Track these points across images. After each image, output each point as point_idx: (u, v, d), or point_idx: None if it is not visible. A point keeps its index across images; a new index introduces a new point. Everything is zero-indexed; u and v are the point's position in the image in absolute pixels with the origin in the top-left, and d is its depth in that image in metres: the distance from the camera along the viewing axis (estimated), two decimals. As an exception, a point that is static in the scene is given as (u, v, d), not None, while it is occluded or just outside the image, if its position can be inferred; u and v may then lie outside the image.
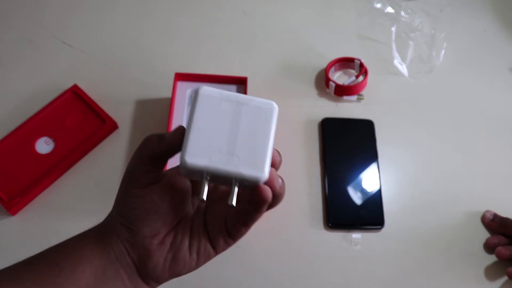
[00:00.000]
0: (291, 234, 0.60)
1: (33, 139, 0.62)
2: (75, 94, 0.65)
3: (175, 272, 0.35)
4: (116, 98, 0.66)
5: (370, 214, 0.61)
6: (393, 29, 0.73)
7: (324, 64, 0.71)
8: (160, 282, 0.35)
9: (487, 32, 0.78)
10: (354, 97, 0.69)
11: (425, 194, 0.63)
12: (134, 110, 0.66)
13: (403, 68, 0.72)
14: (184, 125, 0.32)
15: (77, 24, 0.73)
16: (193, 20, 0.75)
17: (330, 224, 0.60)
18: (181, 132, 0.32)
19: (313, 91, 0.70)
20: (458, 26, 0.78)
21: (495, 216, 0.61)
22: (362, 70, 0.70)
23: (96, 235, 0.34)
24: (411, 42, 0.73)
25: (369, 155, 0.65)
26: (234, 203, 0.31)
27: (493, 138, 0.68)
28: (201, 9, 0.76)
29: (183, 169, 0.31)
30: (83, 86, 0.66)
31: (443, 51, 0.73)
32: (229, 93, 0.32)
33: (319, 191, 0.62)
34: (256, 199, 0.31)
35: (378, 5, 0.77)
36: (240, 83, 0.67)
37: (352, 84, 0.69)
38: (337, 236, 0.60)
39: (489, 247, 0.60)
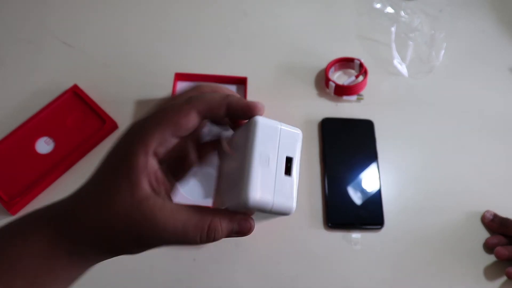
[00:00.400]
0: (291, 234, 0.60)
1: (33, 139, 0.62)
2: (75, 94, 0.65)
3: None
4: (116, 98, 0.66)
5: (370, 214, 0.61)
6: (392, 29, 0.73)
7: (324, 64, 0.71)
8: None
9: (487, 32, 0.78)
10: (354, 97, 0.69)
11: (425, 194, 0.63)
12: (134, 110, 0.66)
13: (402, 68, 0.72)
14: None
15: (78, 24, 0.73)
16: (194, 20, 0.75)
17: (330, 224, 0.60)
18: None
19: (313, 91, 0.70)
20: (457, 26, 0.78)
21: (495, 216, 0.61)
22: (362, 70, 0.70)
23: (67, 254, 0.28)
24: (410, 42, 0.73)
25: (369, 155, 0.65)
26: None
27: (493, 138, 0.68)
28: (201, 10, 0.76)
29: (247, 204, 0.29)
30: (83, 86, 0.66)
31: (442, 51, 0.73)
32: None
33: (319, 191, 0.62)
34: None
35: (378, 5, 0.77)
36: (240, 83, 0.67)
37: (352, 84, 0.69)
38: (337, 236, 0.60)
39: (488, 247, 0.60)
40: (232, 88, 0.67)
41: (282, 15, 0.77)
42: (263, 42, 0.74)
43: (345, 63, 0.72)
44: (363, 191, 0.62)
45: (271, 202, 0.28)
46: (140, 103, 0.67)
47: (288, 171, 0.29)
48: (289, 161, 0.30)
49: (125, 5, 0.75)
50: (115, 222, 0.27)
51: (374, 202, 0.62)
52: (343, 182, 0.63)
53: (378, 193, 0.62)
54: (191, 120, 0.28)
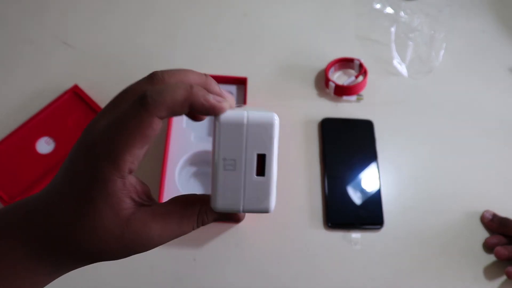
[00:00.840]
0: (291, 234, 0.60)
1: (34, 139, 0.62)
2: (76, 94, 0.65)
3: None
4: (116, 98, 0.66)
5: (369, 214, 0.61)
6: (392, 29, 0.74)
7: (323, 65, 0.71)
8: None
9: (486, 32, 0.78)
10: (354, 97, 0.69)
11: (424, 194, 0.63)
12: (134, 110, 0.66)
13: (402, 69, 0.72)
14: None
15: (78, 24, 0.73)
16: (194, 20, 0.75)
17: (330, 224, 0.60)
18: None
19: (313, 91, 0.70)
20: (457, 26, 0.78)
21: (494, 216, 0.61)
22: (362, 70, 0.70)
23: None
24: (410, 43, 0.73)
25: (369, 155, 0.65)
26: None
27: (492, 138, 0.69)
28: (201, 10, 0.76)
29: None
30: (83, 86, 0.66)
31: (442, 52, 0.74)
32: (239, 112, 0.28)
33: (319, 191, 0.62)
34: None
35: (378, 6, 0.77)
36: (240, 83, 0.67)
37: (351, 84, 0.69)
38: (337, 235, 0.60)
39: (488, 247, 0.60)
40: (232, 88, 0.67)
41: (282, 16, 0.77)
42: (263, 42, 0.74)
43: (345, 63, 0.72)
44: (363, 191, 0.62)
45: (240, 207, 0.28)
46: (140, 103, 0.66)
47: (261, 170, 0.27)
48: (263, 158, 0.27)
49: (125, 5, 0.75)
50: (106, 244, 0.26)
51: (374, 202, 0.62)
52: (343, 182, 0.63)
53: (378, 193, 0.62)
54: (156, 127, 0.26)
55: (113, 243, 0.26)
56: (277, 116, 0.27)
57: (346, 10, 0.78)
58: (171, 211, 0.28)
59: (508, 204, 0.63)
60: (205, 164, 0.62)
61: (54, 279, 0.28)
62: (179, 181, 0.60)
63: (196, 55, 0.72)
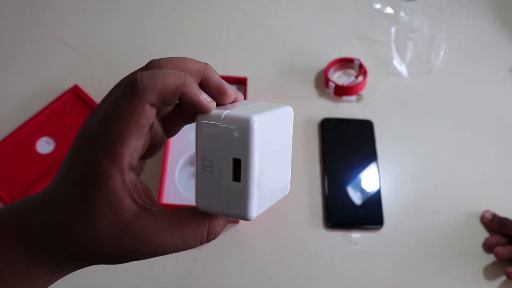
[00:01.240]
0: (291, 233, 0.60)
1: (34, 139, 0.62)
2: (76, 94, 0.65)
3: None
4: (116, 98, 0.66)
5: (369, 214, 0.61)
6: (392, 29, 0.74)
7: (323, 65, 0.71)
8: None
9: (486, 32, 0.78)
10: (354, 97, 0.69)
11: (424, 194, 0.63)
12: (135, 110, 0.66)
13: (402, 69, 0.72)
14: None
15: (78, 24, 0.73)
16: (194, 20, 0.75)
17: (329, 224, 0.60)
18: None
19: (313, 91, 0.70)
20: (457, 26, 0.78)
21: (494, 216, 0.61)
22: (362, 70, 0.70)
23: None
24: (410, 43, 0.73)
25: (369, 155, 0.65)
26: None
27: (492, 138, 0.69)
28: (201, 10, 0.76)
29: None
30: (83, 86, 0.66)
31: (442, 52, 0.74)
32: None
33: (319, 191, 0.62)
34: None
35: (378, 6, 0.77)
36: (240, 83, 0.67)
37: (351, 84, 0.69)
38: (337, 235, 0.60)
39: (488, 247, 0.60)
40: (232, 88, 0.67)
41: (282, 16, 0.77)
42: (263, 42, 0.74)
43: (345, 63, 0.72)
44: (363, 191, 0.62)
45: (218, 211, 0.26)
46: (140, 103, 0.67)
47: (236, 176, 0.25)
48: (239, 162, 0.25)
49: (125, 5, 0.75)
50: (102, 246, 0.25)
51: (373, 202, 0.62)
52: (343, 182, 0.63)
53: (378, 193, 0.62)
54: (149, 114, 0.24)
55: (110, 246, 0.25)
56: (259, 118, 0.24)
57: (346, 10, 0.78)
58: (175, 222, 0.26)
59: (508, 204, 0.63)
60: (205, 164, 0.62)
61: (54, 281, 0.27)
62: (179, 181, 0.60)
63: (196, 55, 0.71)
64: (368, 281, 0.58)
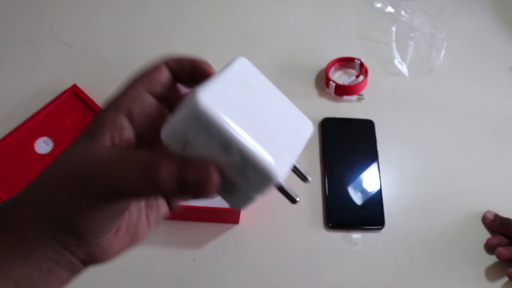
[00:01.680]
0: (291, 234, 0.60)
1: (33, 139, 0.61)
2: (75, 94, 0.65)
3: (130, 246, 0.28)
4: (115, 98, 0.66)
5: (370, 214, 0.61)
6: (393, 29, 0.73)
7: (324, 64, 0.71)
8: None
9: (487, 32, 0.78)
10: (354, 97, 0.69)
11: (425, 194, 0.63)
12: (134, 110, 0.66)
13: (403, 68, 0.72)
14: None
15: (77, 24, 0.73)
16: (193, 20, 0.75)
17: (330, 224, 0.60)
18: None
19: (313, 91, 0.70)
20: (458, 26, 0.78)
21: (496, 216, 0.61)
22: (362, 70, 0.70)
23: (17, 245, 0.25)
24: (411, 42, 0.73)
25: (369, 155, 0.65)
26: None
27: (493, 138, 0.68)
28: (201, 10, 0.76)
29: (190, 115, 0.23)
30: (82, 86, 0.66)
31: (443, 51, 0.73)
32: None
33: (319, 191, 0.62)
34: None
35: (378, 5, 0.77)
36: (240, 83, 0.67)
37: (352, 84, 0.69)
38: (337, 236, 0.60)
39: (489, 248, 0.60)
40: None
41: (282, 15, 0.77)
42: (263, 42, 0.74)
43: (346, 63, 0.72)
44: (363, 191, 0.62)
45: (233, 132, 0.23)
46: (139, 103, 0.66)
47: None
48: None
49: (125, 4, 0.75)
50: (60, 174, 0.25)
51: (374, 202, 0.61)
52: (343, 182, 0.63)
53: (379, 193, 0.62)
54: (163, 73, 0.27)
55: (66, 168, 0.25)
56: (202, 93, 0.23)
57: (347, 10, 0.78)
58: (127, 152, 0.25)
59: (509, 204, 0.63)
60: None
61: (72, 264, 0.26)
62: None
63: (196, 54, 0.71)
64: (368, 281, 0.58)
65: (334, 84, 0.68)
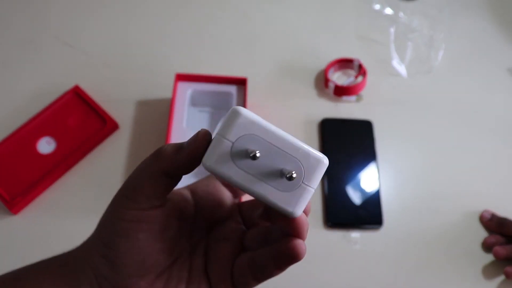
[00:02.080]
0: (290, 233, 0.60)
1: (35, 139, 0.62)
2: (77, 95, 0.65)
3: None
4: (117, 99, 0.67)
5: (369, 214, 0.61)
6: (392, 30, 0.74)
7: (323, 65, 0.71)
8: None
9: (485, 33, 0.79)
10: (353, 98, 0.69)
11: (423, 194, 0.64)
12: (135, 110, 0.66)
13: (401, 69, 0.72)
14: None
15: (79, 25, 0.73)
16: (194, 21, 0.75)
17: (329, 223, 0.60)
18: (205, 137, 0.25)
19: (313, 92, 0.70)
20: (456, 27, 0.78)
21: (493, 215, 0.62)
22: (361, 70, 0.70)
23: (60, 269, 0.28)
24: (409, 43, 0.73)
25: (368, 155, 0.65)
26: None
27: (491, 138, 0.69)
28: (201, 10, 0.77)
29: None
30: (84, 86, 0.66)
31: (441, 52, 0.74)
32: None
33: (319, 191, 0.63)
34: (284, 251, 0.26)
35: (377, 6, 0.77)
36: (240, 84, 0.67)
37: (351, 84, 0.70)
38: (337, 235, 0.60)
39: (486, 247, 0.60)
40: (232, 89, 0.67)
41: (282, 16, 0.77)
42: (263, 43, 0.74)
43: (345, 63, 0.72)
44: (362, 191, 0.63)
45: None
46: (141, 104, 0.67)
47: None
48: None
49: (126, 5, 0.76)
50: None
51: (373, 201, 0.62)
52: (342, 182, 0.63)
53: (377, 193, 0.63)
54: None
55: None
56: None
57: (346, 11, 0.79)
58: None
59: (507, 204, 0.63)
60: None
61: None
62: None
63: (196, 55, 0.72)
64: (367, 280, 0.58)
65: (333, 85, 0.68)
